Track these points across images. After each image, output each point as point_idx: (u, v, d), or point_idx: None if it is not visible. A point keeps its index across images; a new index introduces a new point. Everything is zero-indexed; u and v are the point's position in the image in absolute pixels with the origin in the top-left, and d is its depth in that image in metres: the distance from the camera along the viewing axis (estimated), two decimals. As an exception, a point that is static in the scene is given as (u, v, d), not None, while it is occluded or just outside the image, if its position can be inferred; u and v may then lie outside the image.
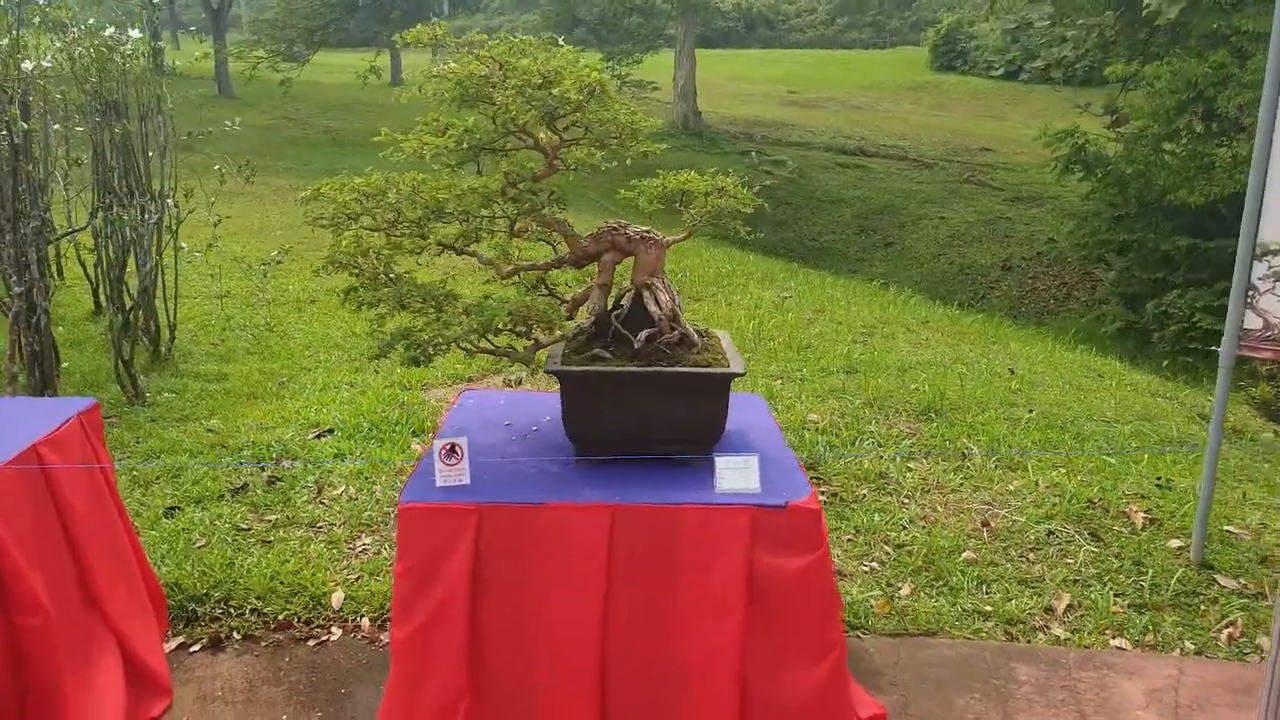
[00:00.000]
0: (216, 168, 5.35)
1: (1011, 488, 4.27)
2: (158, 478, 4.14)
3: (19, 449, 2.50)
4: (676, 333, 2.48)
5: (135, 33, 3.49)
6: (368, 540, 3.62)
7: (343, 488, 4.00)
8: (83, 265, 6.16)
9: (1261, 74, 10.18)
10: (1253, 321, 3.50)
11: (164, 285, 5.68)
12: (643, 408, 2.38)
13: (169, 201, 5.30)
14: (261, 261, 7.03)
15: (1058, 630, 3.31)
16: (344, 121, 20.74)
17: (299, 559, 3.44)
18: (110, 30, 4.25)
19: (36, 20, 4.31)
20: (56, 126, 4.72)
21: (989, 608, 3.40)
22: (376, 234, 2.48)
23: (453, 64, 2.30)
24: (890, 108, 29.28)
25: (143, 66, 4.75)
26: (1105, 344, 11.53)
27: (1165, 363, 10.80)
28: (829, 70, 33.82)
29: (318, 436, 4.56)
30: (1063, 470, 4.44)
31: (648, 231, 2.50)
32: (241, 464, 4.20)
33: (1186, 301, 12.04)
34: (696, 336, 2.49)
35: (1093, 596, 3.46)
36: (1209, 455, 3.65)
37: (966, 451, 4.58)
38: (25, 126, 4.25)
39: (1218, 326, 12.26)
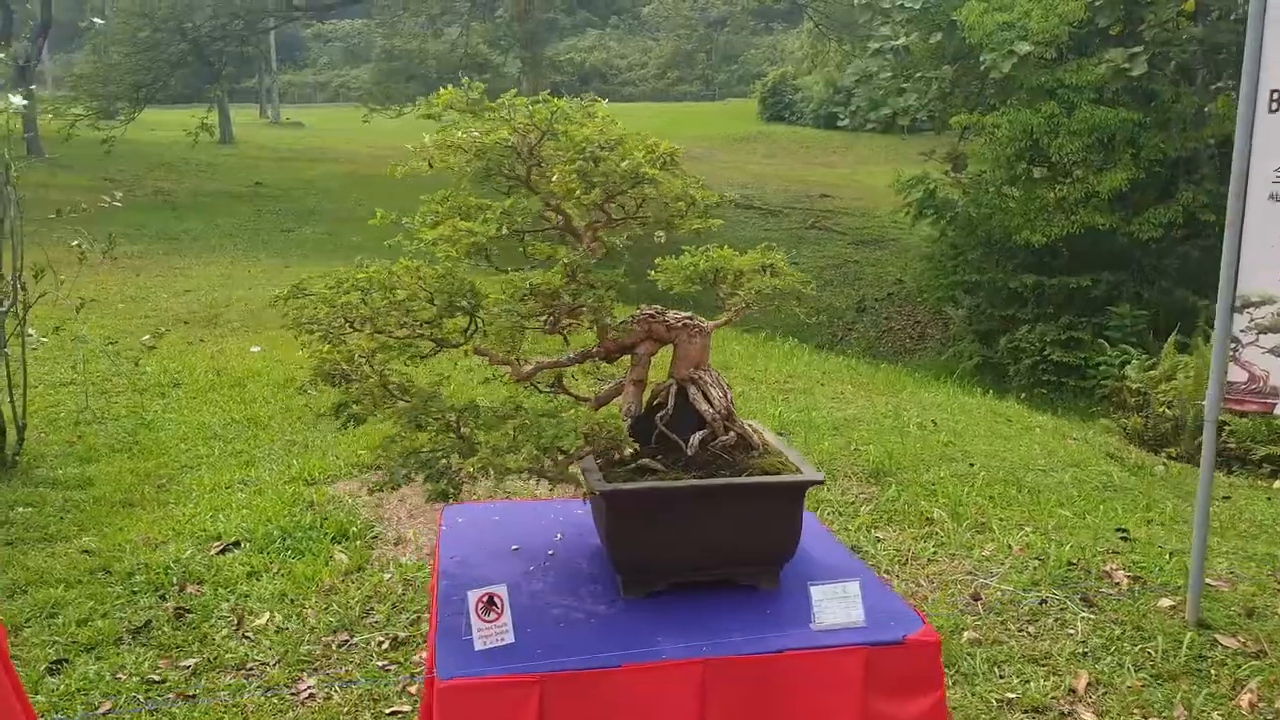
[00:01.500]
0: (76, 243, 4.65)
1: (986, 553, 4.11)
2: (28, 620, 3.43)
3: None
4: (732, 434, 2.14)
5: (17, 99, 2.82)
6: (312, 681, 3.07)
7: (267, 615, 3.41)
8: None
9: (1088, 123, 10.85)
10: (1236, 375, 3.46)
11: (8, 377, 4.89)
12: (706, 527, 2.02)
13: (19, 283, 4.57)
14: (108, 340, 6.24)
15: (1087, 715, 3.11)
16: (174, 181, 19.39)
17: (234, 715, 2.86)
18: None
19: None
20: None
21: (1011, 694, 3.17)
22: (364, 335, 2.04)
23: (473, 131, 1.90)
24: (727, 158, 29.96)
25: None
26: (964, 379, 11.90)
27: (1022, 395, 11.20)
28: (663, 122, 34.40)
29: (222, 551, 3.93)
30: (1029, 530, 4.33)
31: (690, 318, 2.16)
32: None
33: (1036, 336, 12.63)
34: (756, 437, 2.16)
35: (1107, 670, 3.30)
36: (1198, 517, 3.58)
37: (931, 517, 4.41)
38: None
39: (1068, 359, 12.90)
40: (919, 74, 15.12)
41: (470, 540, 2.40)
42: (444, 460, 1.87)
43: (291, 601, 3.51)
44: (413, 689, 3.03)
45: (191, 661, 3.14)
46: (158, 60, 18.66)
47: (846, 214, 22.84)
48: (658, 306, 2.17)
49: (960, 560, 4.03)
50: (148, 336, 5.41)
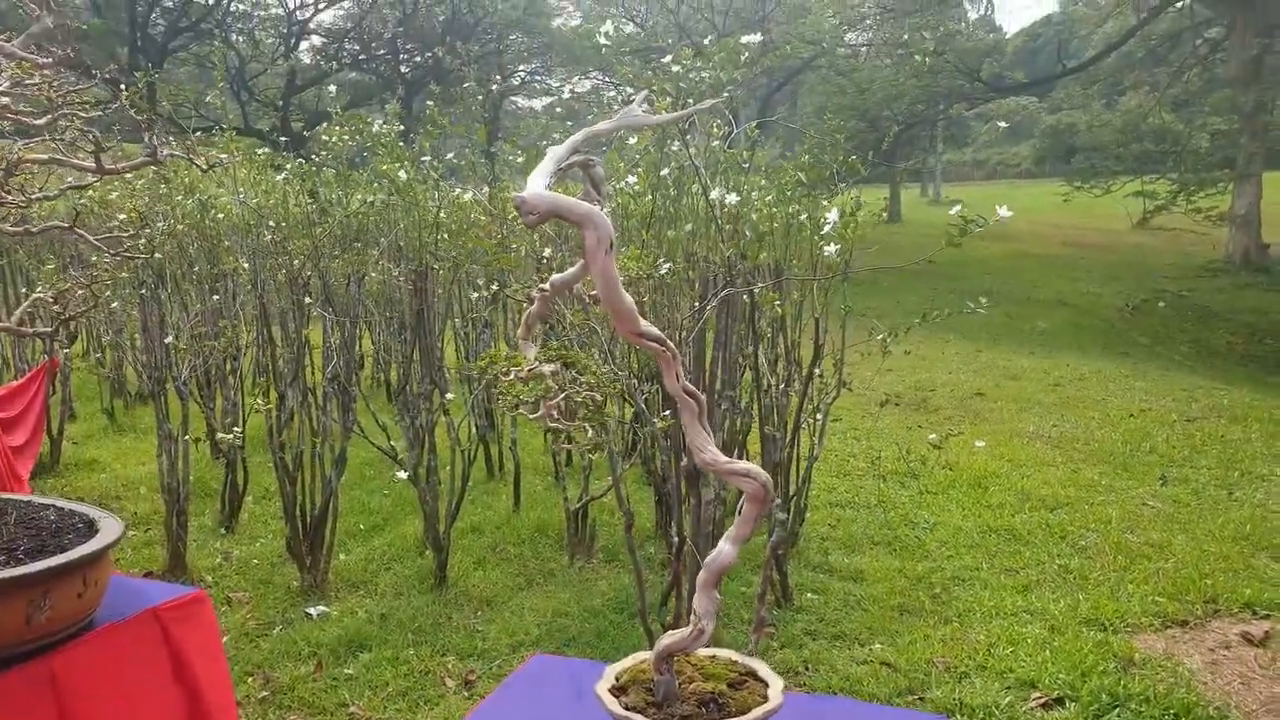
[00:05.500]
0: (881, 336, 4.58)
1: None
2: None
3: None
4: None
5: (1004, 211, 2.69)
6: None
7: (1137, 820, 2.82)
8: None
9: None
10: None
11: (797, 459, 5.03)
12: None
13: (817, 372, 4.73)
14: (833, 418, 6.26)
15: None
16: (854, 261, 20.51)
17: None
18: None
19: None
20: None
21: None
22: None
23: None
24: None
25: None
26: None
27: None
28: None
29: (1044, 705, 3.46)
30: None
31: None
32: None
33: None
34: None
35: None
36: None
37: None
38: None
39: None
40: None
41: None
42: None
43: (1161, 807, 2.87)
44: None
45: None
46: (860, 149, 19.96)
47: None
48: None
49: None
50: (934, 436, 5.28)
